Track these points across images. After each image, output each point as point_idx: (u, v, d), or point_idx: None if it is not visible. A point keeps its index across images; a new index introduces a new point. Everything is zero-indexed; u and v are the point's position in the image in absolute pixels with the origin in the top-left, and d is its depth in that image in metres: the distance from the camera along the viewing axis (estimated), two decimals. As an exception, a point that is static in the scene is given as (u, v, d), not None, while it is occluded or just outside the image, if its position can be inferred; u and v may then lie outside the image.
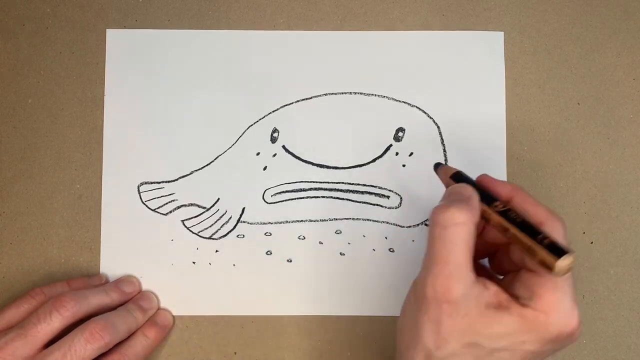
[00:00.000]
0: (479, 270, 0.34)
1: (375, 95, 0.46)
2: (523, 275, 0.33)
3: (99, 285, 0.44)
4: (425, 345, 0.33)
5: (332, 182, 0.46)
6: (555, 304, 0.32)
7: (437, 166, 0.41)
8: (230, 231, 0.46)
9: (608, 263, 0.45)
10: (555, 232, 0.33)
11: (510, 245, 0.35)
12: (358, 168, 0.46)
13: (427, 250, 0.34)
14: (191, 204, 0.46)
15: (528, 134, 0.46)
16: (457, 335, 0.32)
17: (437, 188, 0.45)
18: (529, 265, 0.33)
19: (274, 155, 0.46)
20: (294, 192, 0.46)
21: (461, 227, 0.33)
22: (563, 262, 0.30)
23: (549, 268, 0.30)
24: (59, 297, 0.39)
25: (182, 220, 0.46)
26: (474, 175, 0.37)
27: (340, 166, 0.46)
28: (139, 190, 0.46)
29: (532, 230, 0.32)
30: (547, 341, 0.32)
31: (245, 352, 0.45)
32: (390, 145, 0.46)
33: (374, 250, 0.45)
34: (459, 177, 0.38)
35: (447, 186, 0.38)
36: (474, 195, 0.35)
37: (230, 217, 0.46)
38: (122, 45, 0.46)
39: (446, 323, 0.32)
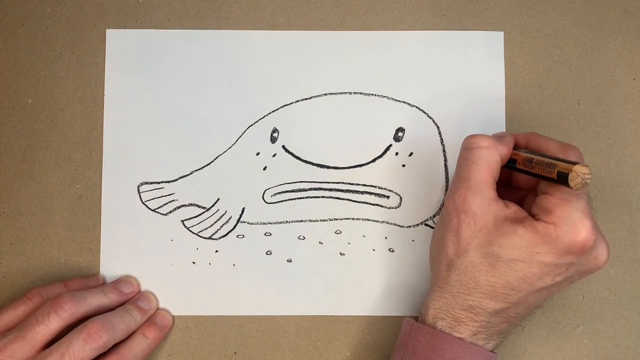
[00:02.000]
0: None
1: (375, 95, 0.46)
2: (539, 199, 0.36)
3: (96, 286, 0.43)
4: (447, 254, 0.38)
5: (332, 182, 0.46)
6: (564, 215, 0.35)
7: None
8: (230, 231, 0.46)
9: (608, 263, 0.45)
10: (570, 157, 0.36)
11: (529, 195, 0.40)
12: (358, 168, 0.46)
13: (455, 172, 0.39)
14: (191, 204, 0.46)
15: (528, 134, 0.46)
16: (476, 244, 0.36)
17: (437, 188, 0.45)
18: (545, 190, 0.36)
19: (274, 155, 0.46)
20: (294, 192, 0.46)
21: (484, 150, 0.37)
22: (580, 168, 0.33)
23: (566, 181, 0.33)
24: (57, 298, 0.39)
25: (182, 220, 0.46)
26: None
27: (340, 166, 0.46)
28: (139, 190, 0.46)
29: (551, 157, 0.36)
30: (560, 252, 0.35)
31: (245, 352, 0.45)
32: (390, 145, 0.46)
33: (374, 250, 0.45)
34: None
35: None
36: (508, 136, 0.39)
37: (230, 217, 0.46)
38: (122, 45, 0.46)
39: (465, 232, 0.37)
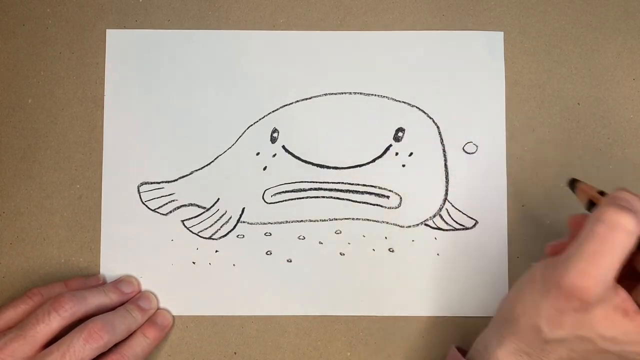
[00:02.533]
0: None
1: (375, 95, 0.46)
2: None
3: (97, 285, 0.43)
4: (538, 325, 0.33)
5: (332, 182, 0.46)
6: None
7: (573, 182, 0.39)
8: (230, 231, 0.46)
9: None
10: None
11: None
12: (358, 168, 0.46)
13: (580, 242, 0.32)
14: (191, 204, 0.46)
15: (528, 134, 0.46)
16: (575, 326, 0.32)
17: (437, 188, 0.45)
18: None
19: (274, 155, 0.46)
20: (294, 192, 0.46)
21: (628, 236, 0.31)
22: None
23: None
24: (57, 297, 0.39)
25: (182, 220, 0.46)
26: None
27: (340, 166, 0.46)
28: (139, 190, 0.46)
29: None
30: None
31: (245, 352, 0.45)
32: (390, 145, 0.46)
33: (373, 250, 0.45)
34: (602, 194, 0.36)
35: (585, 201, 0.37)
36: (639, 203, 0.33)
37: (230, 217, 0.46)
38: (122, 45, 0.46)
39: (570, 316, 0.32)
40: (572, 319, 0.32)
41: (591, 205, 0.35)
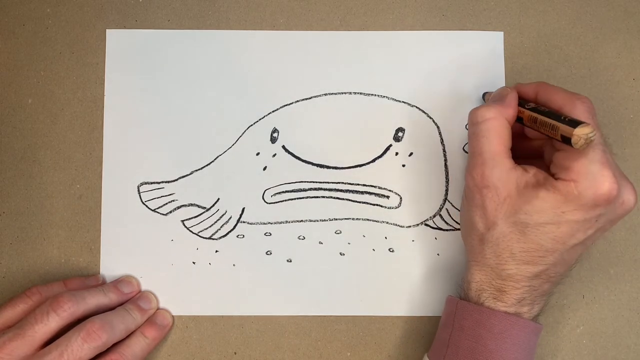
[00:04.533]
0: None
1: (375, 95, 0.46)
2: (555, 157, 0.36)
3: (96, 285, 0.43)
4: (478, 229, 0.38)
5: (332, 182, 0.46)
6: (583, 170, 0.34)
7: (484, 95, 0.45)
8: (230, 231, 0.46)
9: (608, 263, 0.45)
10: (577, 110, 0.36)
11: (546, 145, 0.39)
12: (358, 168, 0.46)
13: (469, 149, 0.39)
14: (191, 204, 0.46)
15: (528, 134, 0.46)
16: (503, 215, 0.36)
17: (437, 188, 0.45)
18: (559, 146, 0.36)
19: (274, 155, 0.46)
20: (294, 192, 0.46)
21: (491, 121, 0.37)
22: (580, 130, 0.33)
23: (570, 143, 0.33)
24: (56, 297, 0.39)
25: (182, 221, 0.46)
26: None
27: (340, 166, 0.46)
28: (139, 190, 0.46)
29: (555, 115, 0.35)
30: (587, 208, 0.34)
31: (245, 352, 0.45)
32: (390, 145, 0.46)
33: (373, 250, 0.45)
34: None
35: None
36: (510, 94, 0.39)
37: (230, 217, 0.46)
38: (122, 45, 0.46)
39: (490, 206, 0.37)
40: (495, 210, 0.36)
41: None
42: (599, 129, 0.36)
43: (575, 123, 0.33)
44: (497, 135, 0.37)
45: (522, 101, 0.39)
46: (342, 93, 0.46)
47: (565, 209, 0.35)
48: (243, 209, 0.46)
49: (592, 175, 0.34)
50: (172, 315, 0.45)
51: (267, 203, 0.46)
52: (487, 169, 0.37)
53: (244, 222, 0.46)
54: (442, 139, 0.46)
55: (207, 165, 0.46)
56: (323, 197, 0.46)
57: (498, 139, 0.37)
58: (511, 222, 0.36)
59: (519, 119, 0.38)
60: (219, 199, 0.46)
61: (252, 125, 0.46)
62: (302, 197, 0.46)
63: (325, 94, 0.46)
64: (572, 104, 0.36)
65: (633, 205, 0.36)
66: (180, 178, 0.46)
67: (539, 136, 0.40)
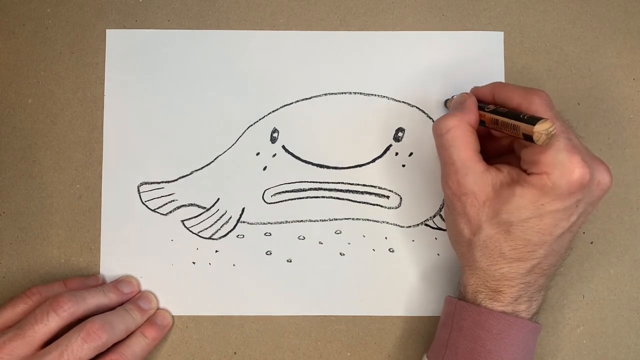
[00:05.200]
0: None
1: (375, 95, 0.46)
2: (523, 153, 0.37)
3: (96, 285, 0.43)
4: (464, 236, 0.38)
5: (332, 182, 0.46)
6: (551, 162, 0.34)
7: (446, 102, 0.45)
8: (230, 231, 0.46)
9: (608, 263, 0.45)
10: (534, 105, 0.36)
11: (515, 141, 0.40)
12: (358, 168, 0.46)
13: (440, 160, 0.39)
14: (191, 204, 0.46)
15: (528, 134, 0.46)
16: (486, 219, 0.37)
17: (437, 188, 0.45)
18: (524, 144, 0.37)
19: (274, 155, 0.46)
20: (294, 192, 0.46)
21: (455, 130, 0.37)
22: (540, 127, 0.34)
23: (532, 138, 0.34)
24: (56, 297, 0.39)
25: (182, 220, 0.46)
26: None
27: (340, 166, 0.46)
28: (139, 190, 0.46)
29: (514, 114, 0.36)
30: (563, 197, 0.35)
31: (245, 352, 0.45)
32: (390, 145, 0.46)
33: (373, 250, 0.45)
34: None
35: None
36: (469, 99, 0.39)
37: (230, 217, 0.46)
38: (122, 45, 0.46)
39: (471, 212, 0.37)
40: (477, 214, 0.37)
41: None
42: (560, 118, 0.36)
43: (534, 120, 0.34)
44: (464, 142, 0.37)
45: (482, 104, 0.39)
46: (342, 93, 0.46)
47: (543, 202, 0.35)
48: (243, 209, 0.46)
49: (561, 165, 0.34)
50: (172, 315, 0.45)
51: (267, 203, 0.46)
52: (461, 176, 0.37)
53: (244, 222, 0.46)
54: (442, 139, 0.46)
55: (207, 165, 0.46)
56: (323, 197, 0.46)
57: (465, 145, 0.37)
58: (495, 223, 0.37)
59: (482, 123, 0.39)
60: (219, 199, 0.46)
61: (252, 125, 0.46)
62: (302, 197, 0.46)
63: (325, 94, 0.46)
64: (529, 99, 0.36)
65: (609, 184, 0.36)
66: (180, 178, 0.46)
67: (505, 135, 0.40)
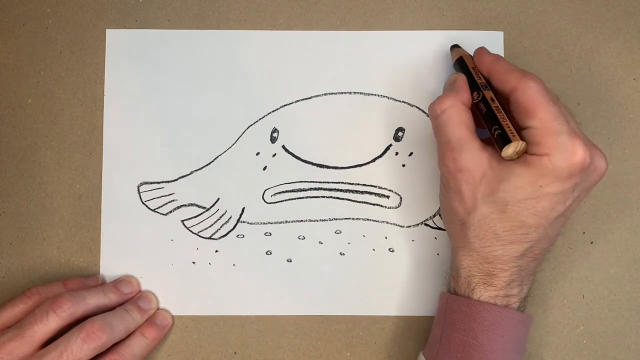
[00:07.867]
0: None
1: (375, 95, 0.46)
2: (524, 133, 0.36)
3: (95, 285, 0.43)
4: (459, 214, 0.38)
5: (332, 182, 0.46)
6: (553, 144, 0.35)
7: (453, 47, 0.45)
8: (230, 231, 0.46)
9: (608, 263, 0.45)
10: (529, 89, 0.36)
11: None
12: (358, 168, 0.46)
13: (436, 142, 0.39)
14: (191, 204, 0.46)
15: (528, 134, 0.46)
16: (481, 197, 0.37)
17: (437, 188, 0.45)
18: (524, 124, 0.36)
19: (274, 155, 0.46)
20: (294, 192, 0.46)
21: (450, 110, 0.38)
22: (506, 152, 0.36)
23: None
24: (56, 297, 0.39)
25: (182, 220, 0.46)
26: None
27: (340, 166, 0.46)
28: (139, 190, 0.46)
29: (490, 123, 0.37)
30: (562, 179, 0.35)
31: (245, 352, 0.45)
32: (390, 145, 0.46)
33: (373, 250, 0.45)
34: (461, 62, 0.42)
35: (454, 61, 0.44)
36: (459, 78, 0.40)
37: (230, 217, 0.46)
38: (122, 45, 0.46)
39: (466, 190, 0.37)
40: (472, 193, 0.37)
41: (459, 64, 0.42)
42: (558, 102, 0.36)
43: (505, 139, 0.36)
44: (459, 121, 0.37)
45: (475, 85, 0.39)
46: (342, 93, 0.46)
47: (542, 183, 0.35)
48: (243, 208, 0.46)
49: (563, 147, 0.34)
50: (172, 316, 0.45)
51: (267, 203, 0.46)
52: (457, 153, 0.37)
53: (244, 222, 0.46)
54: (442, 139, 0.46)
55: (207, 165, 0.46)
56: (323, 197, 0.46)
57: (461, 124, 0.37)
58: (490, 201, 0.36)
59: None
60: (219, 199, 0.46)
61: (252, 125, 0.46)
62: (302, 197, 0.46)
63: (325, 94, 0.46)
64: (524, 83, 0.36)
65: (605, 170, 0.36)
66: (180, 178, 0.46)
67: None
